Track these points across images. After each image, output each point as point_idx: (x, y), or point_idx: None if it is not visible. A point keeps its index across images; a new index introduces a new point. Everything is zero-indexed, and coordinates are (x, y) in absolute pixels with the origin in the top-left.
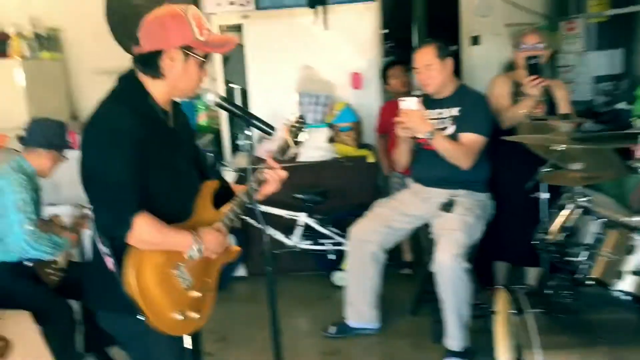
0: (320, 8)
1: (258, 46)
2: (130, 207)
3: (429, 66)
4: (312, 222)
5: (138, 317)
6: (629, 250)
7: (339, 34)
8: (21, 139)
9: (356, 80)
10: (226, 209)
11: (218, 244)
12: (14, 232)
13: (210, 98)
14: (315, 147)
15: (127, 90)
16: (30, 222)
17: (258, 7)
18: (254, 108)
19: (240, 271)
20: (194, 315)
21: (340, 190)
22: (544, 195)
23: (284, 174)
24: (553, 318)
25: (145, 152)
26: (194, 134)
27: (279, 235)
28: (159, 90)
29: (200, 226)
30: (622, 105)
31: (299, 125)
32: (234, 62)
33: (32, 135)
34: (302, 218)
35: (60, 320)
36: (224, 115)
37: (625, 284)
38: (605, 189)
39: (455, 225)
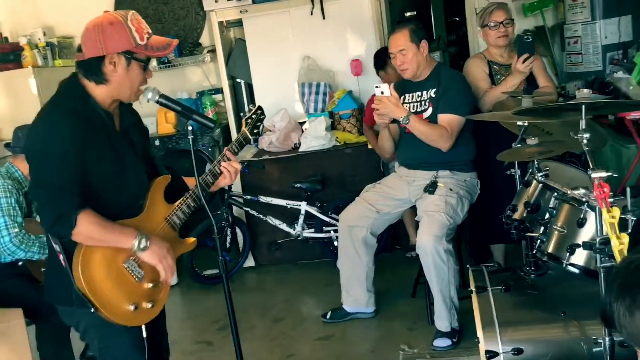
0: None
1: (258, 40)
2: (72, 207)
3: (403, 51)
4: (313, 211)
5: (91, 310)
6: (580, 223)
7: (337, 23)
8: (8, 146)
9: (356, 67)
10: (178, 202)
11: (161, 251)
12: (2, 235)
13: (150, 96)
14: (315, 136)
15: (68, 95)
16: (17, 225)
17: (255, 1)
18: (259, 101)
19: (249, 261)
20: (148, 305)
21: (342, 177)
22: (517, 172)
23: (238, 166)
24: (516, 295)
25: (87, 153)
26: (146, 133)
27: (283, 225)
28: (102, 93)
29: (151, 220)
30: (622, 74)
31: (257, 117)
32: (238, 57)
33: (17, 142)
34: (304, 207)
35: (52, 318)
36: (230, 110)
37: (576, 258)
38: (604, 161)
39: (437, 207)
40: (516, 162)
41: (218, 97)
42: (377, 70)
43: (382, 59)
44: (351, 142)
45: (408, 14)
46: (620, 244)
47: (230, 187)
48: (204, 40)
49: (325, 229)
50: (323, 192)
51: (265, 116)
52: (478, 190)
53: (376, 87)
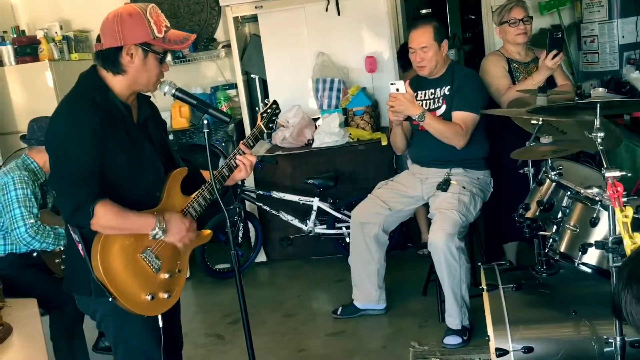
0: None
1: (273, 35)
2: (89, 197)
3: (425, 48)
4: (326, 207)
5: (109, 300)
6: (593, 222)
7: (351, 19)
8: (23, 138)
9: (371, 64)
10: (195, 195)
11: (182, 228)
12: (18, 225)
13: (167, 90)
14: (329, 132)
15: (88, 86)
16: (32, 216)
17: None
18: (273, 97)
19: (261, 256)
20: (165, 296)
21: (355, 174)
22: (530, 171)
23: (253, 159)
24: (527, 293)
25: (106, 144)
26: (164, 126)
27: (295, 221)
28: (119, 85)
29: (169, 212)
30: (638, 74)
31: (272, 111)
32: (253, 53)
33: (32, 134)
34: (316, 203)
35: (66, 308)
36: (244, 106)
37: (588, 257)
38: (618, 161)
39: (450, 205)
40: (530, 161)
41: (232, 92)
42: (403, 70)
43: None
44: (364, 138)
45: (424, 11)
46: (632, 244)
47: (243, 182)
48: (219, 35)
49: (337, 225)
50: (335, 189)
51: (280, 111)
52: (491, 188)
53: (391, 84)
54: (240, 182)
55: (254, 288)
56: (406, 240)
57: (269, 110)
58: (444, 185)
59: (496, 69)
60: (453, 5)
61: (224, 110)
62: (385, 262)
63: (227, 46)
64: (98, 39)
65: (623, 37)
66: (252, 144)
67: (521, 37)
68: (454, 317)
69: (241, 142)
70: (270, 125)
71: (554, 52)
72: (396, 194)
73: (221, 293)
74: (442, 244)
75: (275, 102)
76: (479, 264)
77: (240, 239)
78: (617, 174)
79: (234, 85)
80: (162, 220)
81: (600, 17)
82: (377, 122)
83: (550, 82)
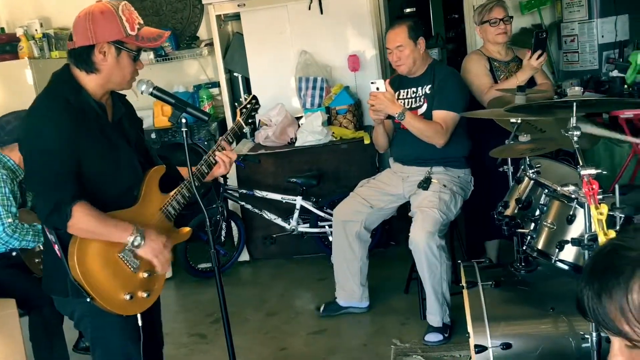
0: None
1: (256, 34)
2: (67, 197)
3: (401, 47)
4: (309, 205)
5: (87, 300)
6: (570, 220)
7: (335, 18)
8: None
9: (354, 63)
10: (173, 193)
11: (158, 245)
12: None
13: (144, 88)
14: (312, 131)
15: (61, 86)
16: (11, 215)
17: None
18: (258, 93)
19: (244, 255)
20: (144, 295)
21: (337, 173)
22: (510, 169)
23: (233, 155)
24: (506, 290)
25: (80, 144)
26: (140, 124)
27: (278, 220)
28: (93, 83)
29: (146, 211)
30: (617, 73)
31: (251, 107)
32: (236, 51)
33: (4, 131)
34: (299, 201)
35: (45, 309)
36: (227, 104)
37: (565, 254)
38: (597, 159)
39: (430, 203)
40: (509, 159)
41: (215, 90)
42: None
43: None
44: (347, 137)
45: (407, 10)
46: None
47: (225, 180)
48: (202, 33)
49: (320, 223)
50: (318, 187)
51: (259, 106)
52: (472, 186)
53: (372, 82)
54: (223, 181)
55: (237, 287)
56: (389, 239)
57: (248, 106)
58: (425, 184)
59: (477, 68)
60: (436, 5)
61: (206, 110)
62: (368, 260)
63: (210, 44)
64: (70, 38)
65: (602, 36)
66: (231, 140)
67: (501, 37)
68: (435, 315)
69: (220, 138)
70: (250, 121)
71: (539, 52)
72: (378, 192)
73: (204, 292)
74: (423, 242)
75: (254, 97)
76: (460, 261)
77: (223, 238)
78: (593, 171)
79: (216, 84)
80: (137, 234)
81: (580, 17)
82: (360, 120)
83: (530, 81)
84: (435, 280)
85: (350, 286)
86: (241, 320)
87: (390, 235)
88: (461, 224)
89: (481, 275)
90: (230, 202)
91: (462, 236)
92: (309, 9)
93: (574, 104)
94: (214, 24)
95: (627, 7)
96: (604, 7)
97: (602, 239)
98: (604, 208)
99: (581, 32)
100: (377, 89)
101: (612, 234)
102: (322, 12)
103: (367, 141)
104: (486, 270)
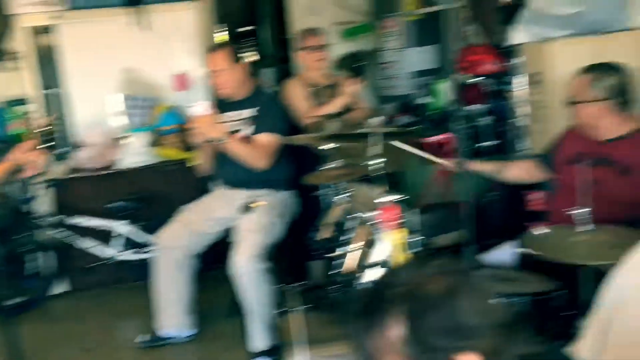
0: (139, 8)
1: (74, 49)
2: None
3: (222, 70)
4: (132, 231)
5: None
6: (373, 243)
7: (161, 35)
8: None
9: (181, 82)
10: None
11: None
12: None
13: None
14: (135, 152)
15: None
16: None
17: (72, 7)
18: (75, 113)
19: (62, 287)
20: None
21: (163, 196)
22: (327, 193)
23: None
24: (323, 312)
25: None
26: None
27: (97, 247)
28: None
29: None
30: (425, 99)
31: (48, 130)
32: (50, 66)
33: None
34: (121, 227)
35: None
36: (40, 122)
37: (369, 276)
38: (408, 180)
39: (253, 226)
40: (327, 183)
41: (27, 107)
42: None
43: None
44: (174, 159)
45: (241, 29)
46: None
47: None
48: (12, 46)
49: (144, 250)
50: (142, 211)
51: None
52: (295, 208)
53: (193, 105)
54: (32, 210)
55: (52, 322)
56: (218, 262)
57: (45, 128)
58: (249, 207)
59: (297, 92)
60: (268, 25)
61: (17, 127)
62: (193, 287)
63: (21, 58)
64: None
65: (416, 64)
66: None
67: (320, 63)
68: (259, 340)
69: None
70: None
71: (356, 80)
72: (202, 216)
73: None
74: (245, 267)
75: (53, 119)
76: (282, 285)
77: (36, 269)
78: (393, 197)
79: (29, 101)
80: None
81: (395, 46)
82: (187, 141)
83: (348, 107)
84: (258, 304)
85: (173, 315)
86: (56, 359)
87: (218, 258)
88: (285, 245)
89: (300, 299)
90: (46, 230)
91: (287, 258)
92: (134, 25)
93: (369, 135)
94: (25, 37)
95: (436, 37)
96: (417, 37)
97: (399, 262)
98: (402, 232)
99: (397, 59)
100: (199, 111)
101: (409, 256)
102: (147, 29)
103: (194, 163)
104: (305, 294)
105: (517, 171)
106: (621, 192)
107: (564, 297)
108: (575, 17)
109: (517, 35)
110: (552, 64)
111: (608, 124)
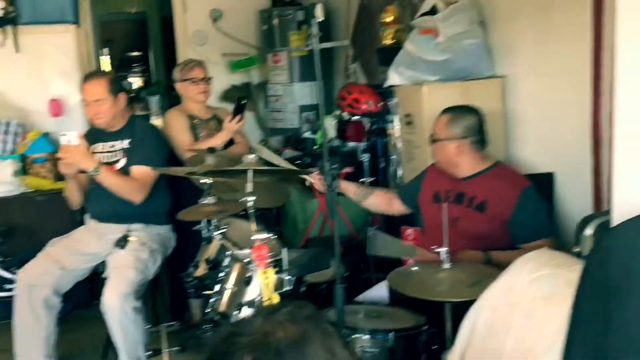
0: (9, 28)
1: None
2: None
3: (99, 101)
4: None
5: None
6: (247, 282)
7: (35, 58)
8: None
9: (56, 107)
10: None
11: None
12: None
13: None
14: (1, 181)
15: None
16: None
17: None
18: None
19: None
20: None
21: (32, 228)
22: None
23: None
24: (192, 354)
25: None
26: None
27: None
28: None
29: None
30: (310, 135)
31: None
32: None
33: None
34: None
35: None
36: None
37: (242, 316)
38: (293, 214)
39: (127, 262)
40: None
41: None
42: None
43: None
44: (44, 189)
45: (131, 54)
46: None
47: None
48: None
49: (8, 287)
50: (7, 245)
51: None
52: (173, 243)
53: (62, 134)
54: None
55: None
56: (92, 298)
57: None
58: (122, 242)
59: (178, 124)
60: (158, 52)
61: None
62: (58, 328)
63: None
64: None
65: (302, 98)
66: None
67: (202, 96)
68: None
69: None
70: None
71: (238, 117)
72: (71, 251)
73: None
74: (117, 305)
75: None
76: (155, 324)
77: None
78: (263, 236)
79: None
80: None
81: (283, 80)
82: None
83: (230, 140)
84: (129, 344)
85: (34, 359)
86: None
87: (92, 295)
88: (163, 281)
89: (169, 340)
90: None
91: (165, 294)
92: (3, 45)
93: (249, 171)
94: None
95: (323, 74)
96: (302, 73)
97: (268, 302)
98: (271, 272)
99: (284, 93)
100: (69, 141)
101: (276, 297)
102: (17, 51)
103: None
104: (175, 334)
105: (378, 200)
106: (479, 228)
107: (430, 332)
108: (444, 63)
109: (393, 77)
110: (422, 106)
111: (465, 162)
